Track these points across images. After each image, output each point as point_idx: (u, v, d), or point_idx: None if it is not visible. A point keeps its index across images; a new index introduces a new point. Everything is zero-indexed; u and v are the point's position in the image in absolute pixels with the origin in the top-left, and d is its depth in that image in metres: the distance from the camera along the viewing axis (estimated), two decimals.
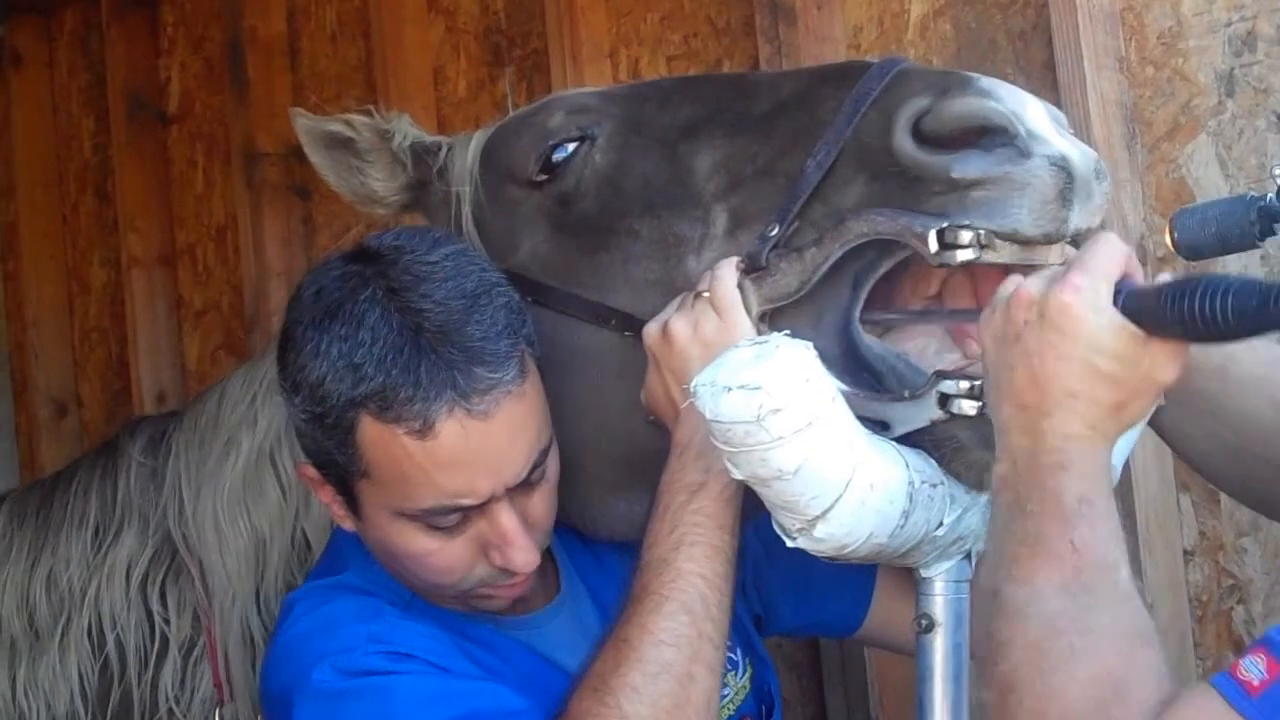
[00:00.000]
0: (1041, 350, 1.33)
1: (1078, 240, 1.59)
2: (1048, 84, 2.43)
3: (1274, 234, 1.45)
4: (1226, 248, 1.46)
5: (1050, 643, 1.23)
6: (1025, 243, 1.50)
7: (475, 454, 1.61)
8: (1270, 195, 1.44)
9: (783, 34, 2.75)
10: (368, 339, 1.60)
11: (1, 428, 4.63)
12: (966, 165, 1.50)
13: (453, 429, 1.59)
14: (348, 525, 1.78)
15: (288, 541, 2.12)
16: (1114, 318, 1.32)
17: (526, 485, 1.67)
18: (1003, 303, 1.39)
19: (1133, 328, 1.32)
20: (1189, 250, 1.44)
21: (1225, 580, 2.29)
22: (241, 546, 2.11)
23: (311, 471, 1.76)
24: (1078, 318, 1.32)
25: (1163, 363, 1.34)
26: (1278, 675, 1.13)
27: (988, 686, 1.27)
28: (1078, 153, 1.52)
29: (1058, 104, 2.35)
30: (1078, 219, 1.51)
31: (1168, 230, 1.44)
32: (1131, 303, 1.33)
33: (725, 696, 1.91)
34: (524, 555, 1.67)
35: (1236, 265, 2.16)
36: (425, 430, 1.59)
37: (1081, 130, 2.33)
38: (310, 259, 3.71)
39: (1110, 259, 1.36)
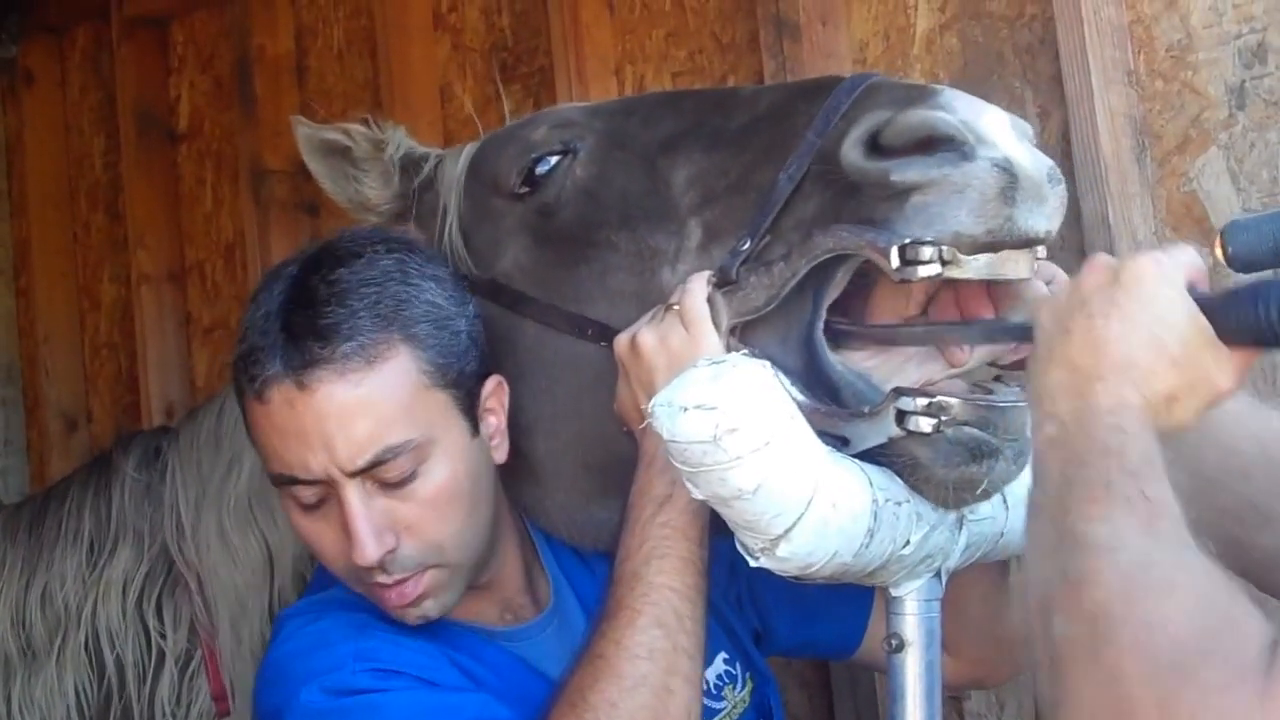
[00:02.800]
0: (1107, 311, 1.28)
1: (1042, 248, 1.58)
2: (1056, 98, 2.42)
3: None
4: None
5: (1145, 573, 1.14)
6: (972, 247, 1.49)
7: (303, 427, 1.65)
8: None
9: (787, 50, 2.73)
10: (257, 307, 1.71)
11: (12, 442, 4.63)
12: (906, 170, 1.50)
13: (280, 397, 1.66)
14: None
15: (298, 552, 2.11)
16: (1187, 299, 1.28)
17: (386, 484, 1.68)
18: (1071, 280, 1.35)
19: (1203, 319, 1.27)
20: (1244, 265, 1.40)
21: None
22: (254, 558, 2.13)
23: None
24: (1152, 285, 1.28)
25: (1226, 368, 1.29)
26: None
27: (1071, 619, 1.16)
28: (1027, 156, 1.52)
29: (1066, 118, 2.36)
30: (1030, 220, 1.50)
31: (1218, 243, 1.40)
32: (1202, 302, 1.29)
33: (722, 710, 1.93)
34: (361, 548, 1.67)
35: None
36: (262, 394, 1.67)
37: (1090, 144, 2.32)
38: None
39: (1189, 259, 1.33)
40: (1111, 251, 2.26)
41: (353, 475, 1.66)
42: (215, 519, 2.15)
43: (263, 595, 2.13)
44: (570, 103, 2.96)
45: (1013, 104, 2.43)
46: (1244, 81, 2.26)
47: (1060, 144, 2.38)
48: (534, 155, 1.85)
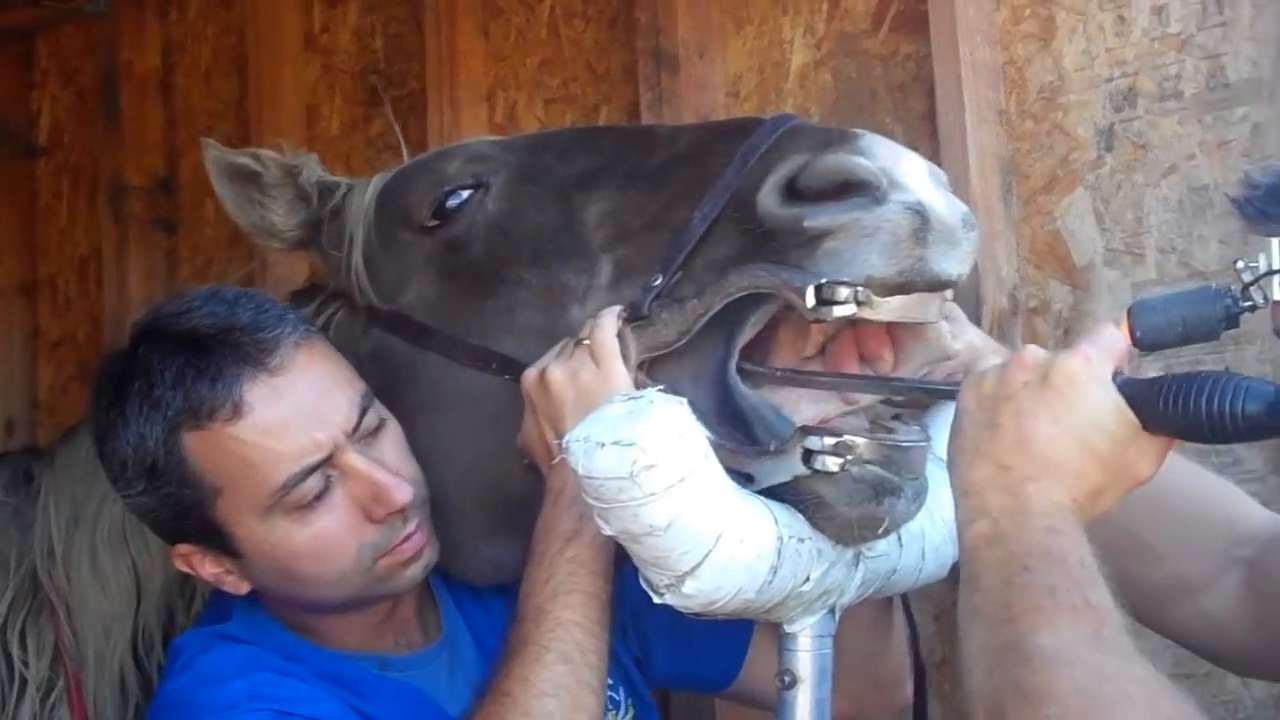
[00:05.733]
0: (1036, 412, 1.31)
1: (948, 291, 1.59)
2: (926, 135, 2.46)
3: (1237, 325, 1.44)
4: (1189, 341, 1.45)
5: (1102, 687, 1.16)
6: (884, 289, 1.50)
7: (294, 410, 1.69)
8: (1235, 289, 1.42)
9: (664, 81, 2.76)
10: (157, 377, 1.68)
11: None
12: (818, 216, 1.52)
13: (262, 394, 1.67)
14: (243, 587, 1.80)
15: (166, 582, 2.06)
16: (1117, 398, 1.31)
17: (369, 438, 1.74)
18: (998, 368, 1.37)
19: (1130, 414, 1.30)
20: (1150, 345, 1.43)
21: None
22: (123, 586, 2.06)
23: (183, 548, 1.79)
24: (1082, 386, 1.30)
25: (1146, 456, 1.32)
26: None
27: None
28: (942, 200, 1.53)
29: (936, 156, 2.37)
30: (941, 263, 1.52)
31: (1124, 324, 1.42)
32: (1127, 390, 1.31)
33: None
34: (397, 490, 1.72)
35: None
36: (239, 409, 1.66)
37: (960, 182, 2.34)
38: (172, 292, 3.65)
39: (1115, 343, 1.35)
40: (976, 289, 2.26)
41: (350, 436, 1.72)
42: (88, 544, 2.08)
43: (127, 625, 2.06)
44: (442, 129, 2.95)
45: None
46: (1113, 124, 2.33)
47: None
48: (445, 189, 1.84)
